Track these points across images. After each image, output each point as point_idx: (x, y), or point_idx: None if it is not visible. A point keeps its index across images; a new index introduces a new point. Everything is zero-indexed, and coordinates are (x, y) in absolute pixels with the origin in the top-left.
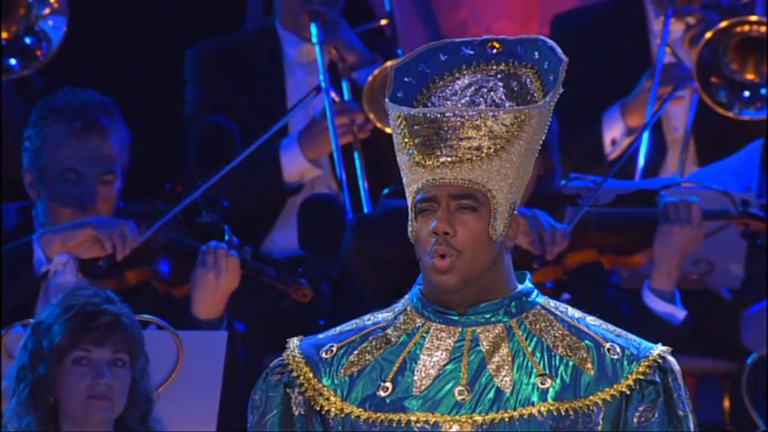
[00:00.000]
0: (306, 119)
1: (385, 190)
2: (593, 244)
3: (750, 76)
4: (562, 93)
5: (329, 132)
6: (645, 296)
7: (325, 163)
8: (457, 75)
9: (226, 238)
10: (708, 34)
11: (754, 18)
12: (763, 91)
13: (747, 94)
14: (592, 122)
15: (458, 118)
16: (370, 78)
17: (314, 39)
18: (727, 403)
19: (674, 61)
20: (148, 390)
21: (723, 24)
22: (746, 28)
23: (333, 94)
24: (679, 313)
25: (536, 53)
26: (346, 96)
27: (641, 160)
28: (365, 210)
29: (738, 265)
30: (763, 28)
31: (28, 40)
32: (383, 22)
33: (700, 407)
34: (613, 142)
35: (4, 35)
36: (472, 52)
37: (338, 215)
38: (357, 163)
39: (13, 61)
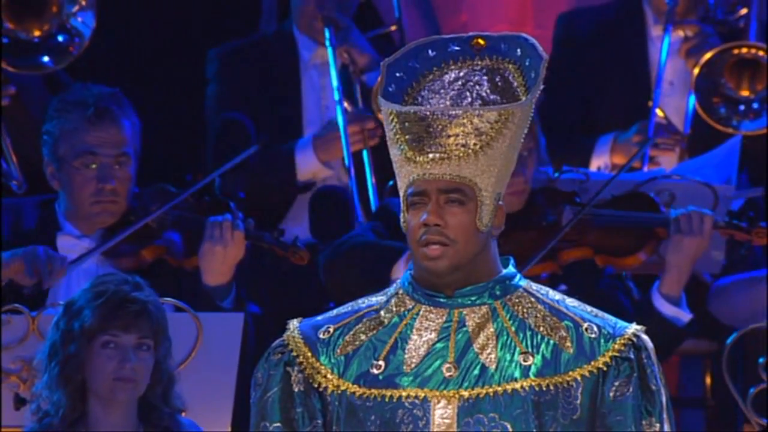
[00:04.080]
0: (320, 121)
1: (390, 183)
2: (589, 243)
3: (745, 93)
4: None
5: (341, 140)
6: (654, 299)
7: (336, 164)
8: (444, 70)
9: (231, 212)
10: (706, 56)
11: (749, 42)
12: (756, 105)
13: (742, 108)
14: (586, 144)
15: (446, 116)
16: (379, 79)
17: (328, 43)
18: (708, 380)
19: (665, 123)
20: (171, 370)
21: (720, 48)
22: (744, 50)
23: (346, 104)
24: (684, 316)
25: (518, 50)
26: (357, 95)
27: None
28: (372, 204)
29: (719, 252)
30: (761, 52)
31: (60, 38)
32: (393, 28)
33: (684, 384)
34: (598, 168)
35: (38, 33)
36: (458, 48)
37: (348, 206)
38: (366, 160)
39: (46, 58)
